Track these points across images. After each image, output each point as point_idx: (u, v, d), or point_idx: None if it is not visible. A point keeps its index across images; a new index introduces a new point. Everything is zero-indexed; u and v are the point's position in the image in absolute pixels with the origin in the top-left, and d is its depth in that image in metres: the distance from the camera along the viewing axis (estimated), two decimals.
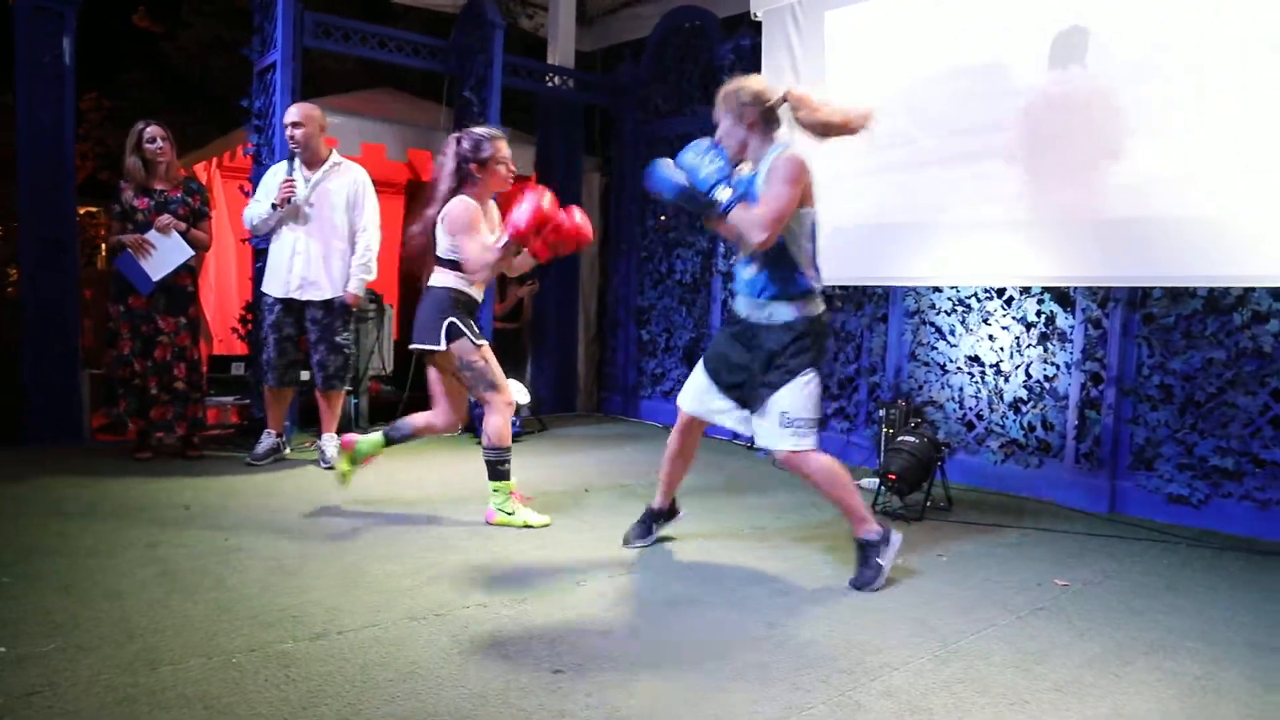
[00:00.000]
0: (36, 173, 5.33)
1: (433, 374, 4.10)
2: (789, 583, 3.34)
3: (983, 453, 5.17)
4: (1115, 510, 4.62)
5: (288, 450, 5.33)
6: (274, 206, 4.89)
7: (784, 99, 3.29)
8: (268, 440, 5.14)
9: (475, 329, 3.97)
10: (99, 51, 10.02)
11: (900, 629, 2.89)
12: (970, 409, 5.25)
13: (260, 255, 5.48)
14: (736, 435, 4.17)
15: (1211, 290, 4.30)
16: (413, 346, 4.05)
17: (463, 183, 3.94)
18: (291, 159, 4.95)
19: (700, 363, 3.58)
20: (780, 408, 3.25)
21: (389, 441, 4.17)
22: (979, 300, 5.18)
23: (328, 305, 5.02)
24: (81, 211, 9.41)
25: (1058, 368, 4.89)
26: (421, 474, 5.03)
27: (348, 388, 5.97)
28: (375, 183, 8.50)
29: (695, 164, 3.24)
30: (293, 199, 4.89)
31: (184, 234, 5.00)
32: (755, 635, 2.80)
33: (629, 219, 7.55)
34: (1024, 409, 5.04)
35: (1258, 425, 4.22)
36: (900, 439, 4.51)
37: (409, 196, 8.73)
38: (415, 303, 6.81)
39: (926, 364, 5.44)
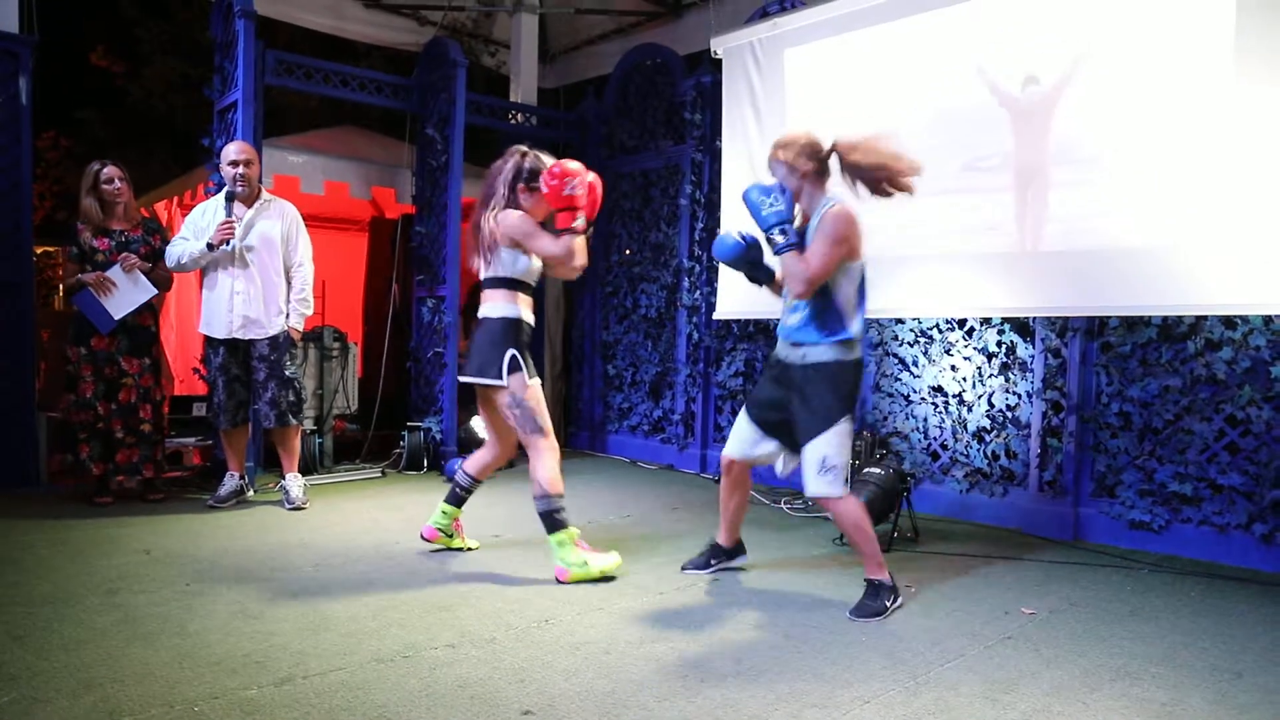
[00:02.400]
0: None
1: (483, 409, 4.02)
2: (758, 619, 3.34)
3: (948, 482, 5.22)
4: (1079, 537, 4.67)
5: (251, 492, 5.26)
6: (210, 246, 4.81)
7: (834, 149, 3.46)
8: (230, 482, 5.07)
9: (531, 364, 3.83)
10: (56, 90, 9.96)
11: (871, 662, 2.90)
12: (935, 439, 5.31)
13: None
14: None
15: (1165, 319, 4.39)
16: (468, 379, 3.87)
17: (510, 198, 3.81)
18: (230, 198, 4.88)
19: (743, 411, 3.75)
20: (821, 453, 3.38)
21: (459, 501, 4.13)
22: (941, 331, 5.25)
23: (273, 342, 4.98)
24: (39, 251, 9.31)
25: (1019, 397, 4.96)
26: (379, 515, 4.97)
27: (311, 427, 5.93)
28: (340, 220, 8.59)
29: (759, 202, 3.41)
30: (231, 241, 4.83)
31: (147, 274, 4.94)
32: (723, 672, 2.79)
33: (593, 254, 7.56)
34: (987, 438, 5.10)
35: (1213, 451, 4.30)
36: (866, 470, 4.54)
37: (372, 233, 8.73)
38: (379, 342, 6.87)
39: (891, 395, 5.49)
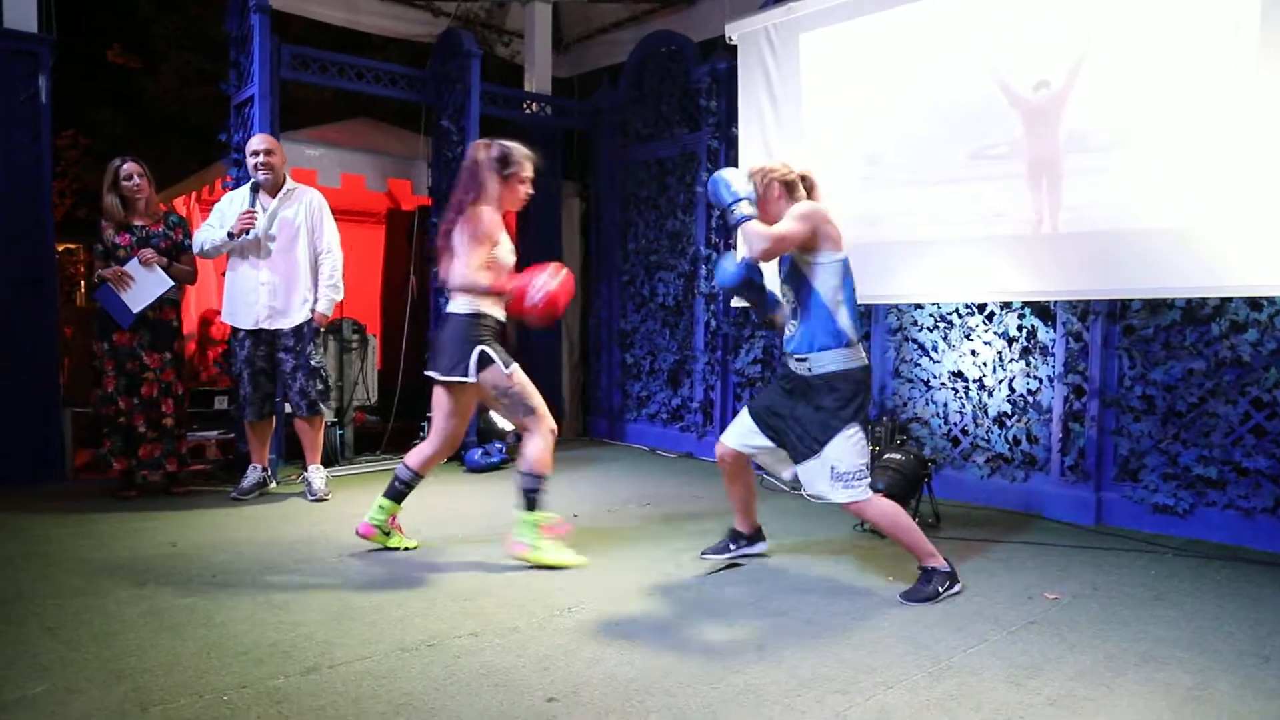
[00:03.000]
0: (14, 213, 5.30)
1: (440, 401, 3.92)
2: (780, 604, 3.34)
3: (969, 468, 5.19)
4: (1102, 521, 4.65)
5: (273, 484, 5.30)
6: (230, 235, 4.84)
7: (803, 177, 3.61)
8: (253, 474, 5.11)
9: (504, 353, 3.80)
10: (75, 89, 10.01)
11: (894, 647, 2.90)
12: (955, 424, 5.28)
13: None
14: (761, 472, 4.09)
15: (1189, 301, 4.35)
16: (436, 376, 3.83)
17: (480, 191, 3.78)
18: (255, 189, 4.90)
19: (746, 408, 3.77)
20: (829, 462, 3.39)
21: (399, 496, 3.98)
22: (960, 316, 5.22)
23: (298, 331, 5.01)
24: (60, 249, 9.38)
25: (1040, 381, 4.92)
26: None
27: (332, 418, 5.96)
28: (356, 212, 8.61)
29: (729, 178, 3.46)
30: (252, 230, 4.86)
31: (167, 268, 4.97)
32: (746, 658, 2.79)
33: (609, 243, 7.58)
34: (1008, 423, 5.07)
35: (1239, 434, 4.27)
36: (887, 456, 4.53)
37: (389, 225, 8.75)
38: (397, 333, 6.90)
39: (910, 381, 5.47)
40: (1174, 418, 4.47)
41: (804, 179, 3.62)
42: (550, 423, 3.88)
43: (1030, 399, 4.97)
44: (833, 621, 3.15)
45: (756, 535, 3.98)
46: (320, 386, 5.11)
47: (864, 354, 3.49)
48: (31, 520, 4.43)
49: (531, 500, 3.79)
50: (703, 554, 3.93)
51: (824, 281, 3.41)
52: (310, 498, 5.02)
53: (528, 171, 3.88)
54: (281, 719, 2.32)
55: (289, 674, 2.61)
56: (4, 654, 2.72)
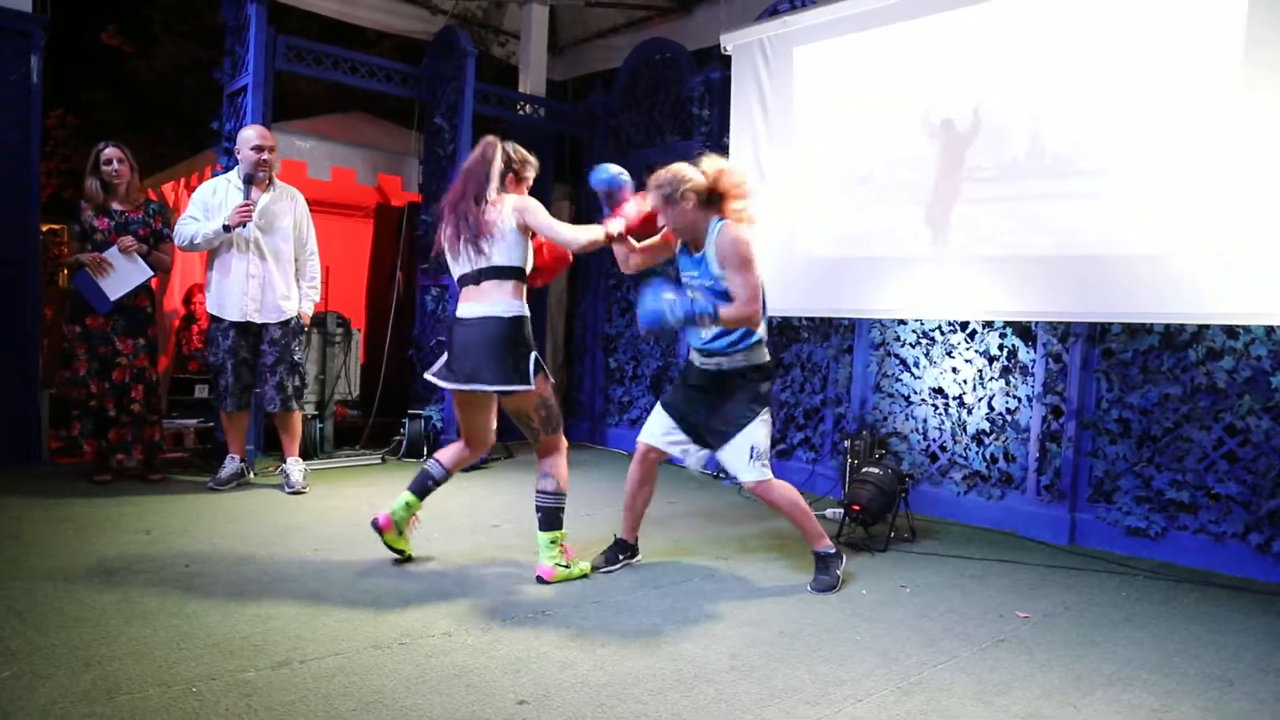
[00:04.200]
0: (0, 193, 5.26)
1: (473, 407, 3.75)
2: (752, 614, 3.35)
3: (946, 484, 5.23)
4: (1075, 542, 4.69)
5: (251, 475, 5.28)
6: (226, 228, 4.82)
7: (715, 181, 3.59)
8: (231, 465, 5.08)
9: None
10: (65, 69, 9.95)
11: (864, 660, 2.92)
12: (934, 440, 5.32)
13: None
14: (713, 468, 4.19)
15: (1168, 327, 4.40)
16: (488, 389, 3.56)
17: (493, 186, 3.61)
18: (249, 181, 4.88)
19: (659, 406, 3.90)
20: (750, 443, 3.61)
21: (425, 492, 3.81)
22: (943, 333, 5.26)
23: (285, 325, 5.01)
24: (44, 229, 9.30)
25: (1019, 400, 4.97)
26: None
27: (312, 412, 5.95)
28: (345, 206, 8.59)
29: (660, 316, 3.42)
30: (248, 224, 4.85)
31: (145, 255, 4.95)
32: (717, 667, 2.80)
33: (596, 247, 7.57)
34: (986, 441, 5.11)
35: (1211, 459, 4.31)
36: (865, 470, 4.56)
37: (377, 220, 8.73)
38: (381, 328, 6.87)
39: (891, 395, 5.50)
40: (1149, 441, 4.51)
41: (715, 189, 3.59)
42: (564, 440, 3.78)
43: (1009, 418, 5.01)
44: (803, 633, 3.16)
45: (636, 547, 4.01)
46: (298, 383, 5.11)
47: (767, 351, 3.73)
48: (4, 502, 4.40)
49: (556, 519, 3.66)
50: (593, 566, 3.83)
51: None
52: (288, 490, 5.01)
53: (531, 177, 3.82)
54: (250, 712, 2.31)
55: (259, 667, 2.60)
56: None
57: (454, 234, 3.61)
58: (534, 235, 3.69)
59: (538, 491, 3.68)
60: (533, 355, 3.55)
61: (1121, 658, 3.06)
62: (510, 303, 3.56)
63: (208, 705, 2.34)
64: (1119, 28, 4.32)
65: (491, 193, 3.59)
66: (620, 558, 3.92)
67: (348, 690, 2.47)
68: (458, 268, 3.64)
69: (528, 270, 3.68)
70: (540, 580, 3.59)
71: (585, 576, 3.70)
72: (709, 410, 3.69)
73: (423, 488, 3.80)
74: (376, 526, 3.72)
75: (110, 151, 4.94)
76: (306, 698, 2.42)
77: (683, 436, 3.79)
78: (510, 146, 3.72)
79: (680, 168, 3.61)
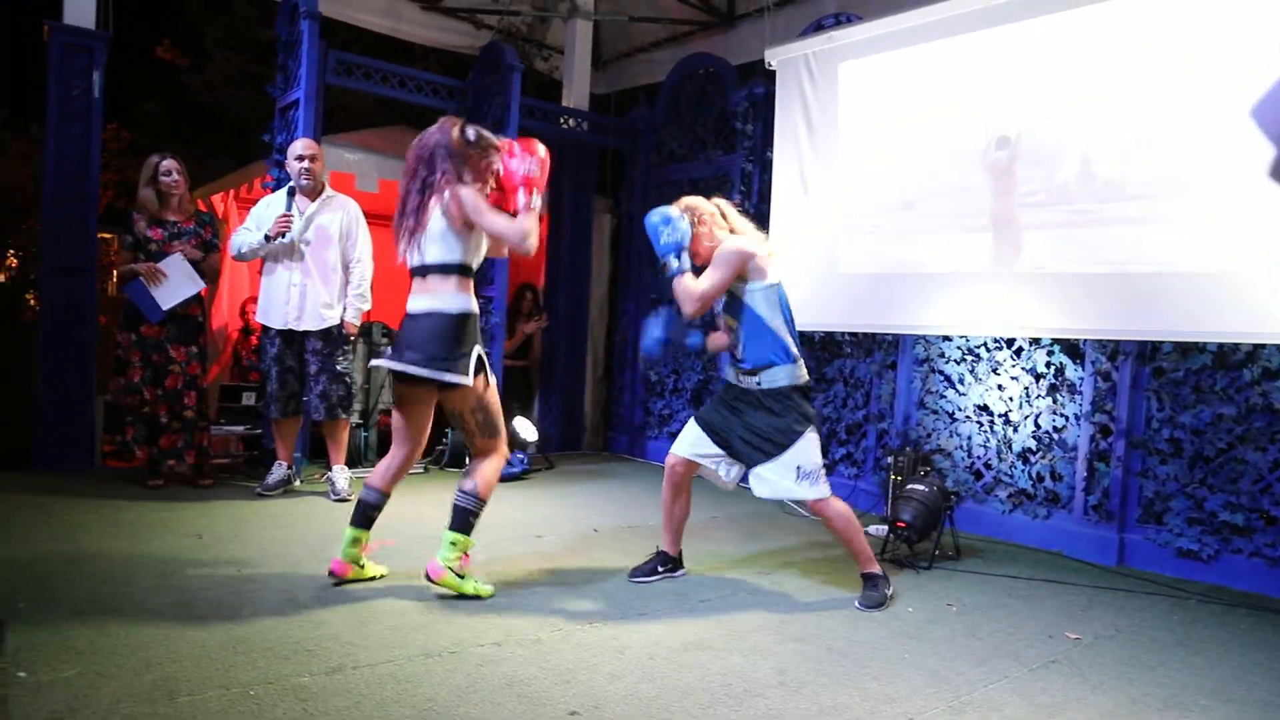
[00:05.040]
0: (60, 203, 5.41)
1: (409, 408, 3.53)
2: (798, 630, 3.34)
3: (990, 502, 5.18)
4: (1124, 563, 4.62)
5: (298, 482, 5.35)
6: (267, 238, 4.92)
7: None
8: (278, 471, 5.16)
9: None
10: (121, 82, 10.18)
11: (913, 678, 2.90)
12: (978, 458, 5.27)
13: None
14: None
15: (1221, 346, 4.33)
16: (418, 370, 3.33)
17: (459, 172, 3.39)
18: (291, 192, 4.99)
19: (693, 420, 3.93)
20: (795, 463, 3.65)
21: (369, 522, 3.57)
22: (988, 350, 5.22)
23: (326, 335, 5.07)
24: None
25: (1067, 419, 4.91)
26: (423, 510, 5.02)
27: (356, 420, 6.01)
28: (389, 217, 8.68)
29: (658, 229, 3.69)
30: (288, 234, 4.93)
31: (196, 264, 5.06)
32: (766, 682, 2.80)
33: (639, 260, 7.62)
34: (1033, 459, 5.05)
35: (1268, 481, 4.24)
36: (910, 486, 4.53)
37: None
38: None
39: (935, 412, 5.47)
40: (1201, 462, 4.44)
41: (721, 214, 3.85)
42: (505, 447, 3.66)
43: (1056, 436, 4.95)
44: (852, 650, 3.15)
45: (680, 561, 4.02)
46: (342, 392, 5.16)
47: (805, 369, 3.78)
48: (64, 505, 4.49)
49: (467, 524, 3.46)
50: (631, 576, 3.88)
51: (760, 306, 3.68)
52: (333, 497, 5.07)
53: (495, 165, 3.49)
54: (307, 717, 2.35)
55: (313, 672, 2.64)
56: (36, 636, 2.76)
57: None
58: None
59: (458, 490, 3.49)
60: (475, 352, 3.39)
61: (1177, 682, 3.01)
62: (455, 296, 3.41)
63: (265, 709, 2.37)
64: (1173, 45, 4.27)
65: (448, 179, 3.37)
66: (660, 569, 3.93)
67: (401, 698, 2.50)
68: (406, 258, 3.47)
69: (474, 265, 3.50)
70: (428, 578, 3.41)
71: (478, 597, 3.43)
72: (746, 428, 3.70)
73: (365, 518, 3.56)
74: (334, 574, 3.55)
75: (169, 163, 5.05)
76: (361, 704, 2.44)
77: (715, 451, 3.80)
78: (471, 129, 3.43)
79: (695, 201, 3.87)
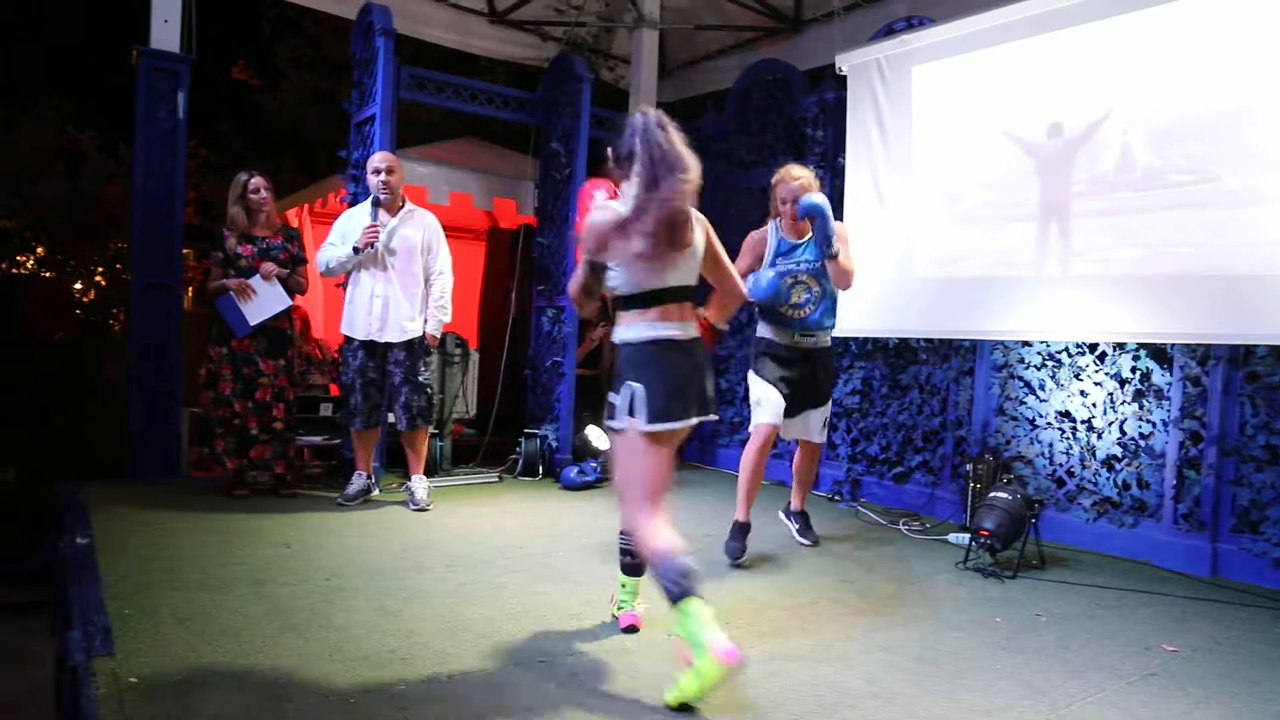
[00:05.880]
0: (148, 220, 5.59)
1: (668, 451, 2.92)
2: (885, 639, 3.30)
3: (1074, 510, 5.07)
4: (1217, 574, 4.48)
5: (377, 491, 5.44)
6: (355, 250, 5.02)
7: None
8: (358, 481, 5.25)
9: None
10: (197, 101, 10.52)
11: (1008, 690, 2.85)
12: (1061, 465, 5.16)
13: None
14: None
15: None
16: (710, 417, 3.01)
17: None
18: (376, 204, 5.09)
19: (774, 390, 4.42)
20: (827, 413, 4.63)
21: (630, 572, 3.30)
22: (1070, 355, 5.11)
23: (409, 346, 5.14)
24: None
25: (1154, 425, 4.78)
26: (500, 519, 5.08)
27: (433, 430, 6.10)
28: (460, 229, 8.82)
29: (828, 213, 4.17)
30: (375, 244, 5.02)
31: (284, 279, 5.18)
32: (858, 693, 2.78)
33: None
34: (1118, 466, 4.93)
35: None
36: (992, 494, 4.45)
37: (490, 243, 8.94)
38: (495, 348, 7.02)
39: (1015, 419, 5.36)
40: None
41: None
42: None
43: (1142, 443, 4.83)
44: (941, 660, 3.11)
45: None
46: (424, 403, 5.23)
47: None
48: (155, 515, 4.63)
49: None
50: (732, 559, 4.32)
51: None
52: (413, 507, 5.15)
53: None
54: None
55: (409, 681, 2.68)
56: (141, 641, 2.85)
57: (678, 236, 2.88)
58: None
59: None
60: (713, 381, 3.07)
61: None
62: (693, 319, 3.03)
63: (367, 718, 2.42)
64: (1261, 31, 4.14)
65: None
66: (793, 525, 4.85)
67: (497, 707, 2.53)
68: (668, 277, 2.90)
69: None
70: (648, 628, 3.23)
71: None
72: (805, 383, 4.44)
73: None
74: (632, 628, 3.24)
75: (256, 181, 5.18)
76: (459, 711, 2.48)
77: (783, 407, 4.42)
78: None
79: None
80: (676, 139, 2.79)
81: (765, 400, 4.40)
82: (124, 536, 4.17)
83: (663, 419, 2.81)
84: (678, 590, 2.59)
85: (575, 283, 2.97)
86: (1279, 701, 2.88)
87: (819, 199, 4.15)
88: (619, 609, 3.32)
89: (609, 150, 2.92)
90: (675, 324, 2.89)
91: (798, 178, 4.37)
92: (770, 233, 4.56)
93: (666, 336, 2.87)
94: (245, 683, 2.58)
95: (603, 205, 2.89)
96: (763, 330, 4.56)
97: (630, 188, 2.82)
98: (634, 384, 2.85)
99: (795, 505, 4.88)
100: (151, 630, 2.96)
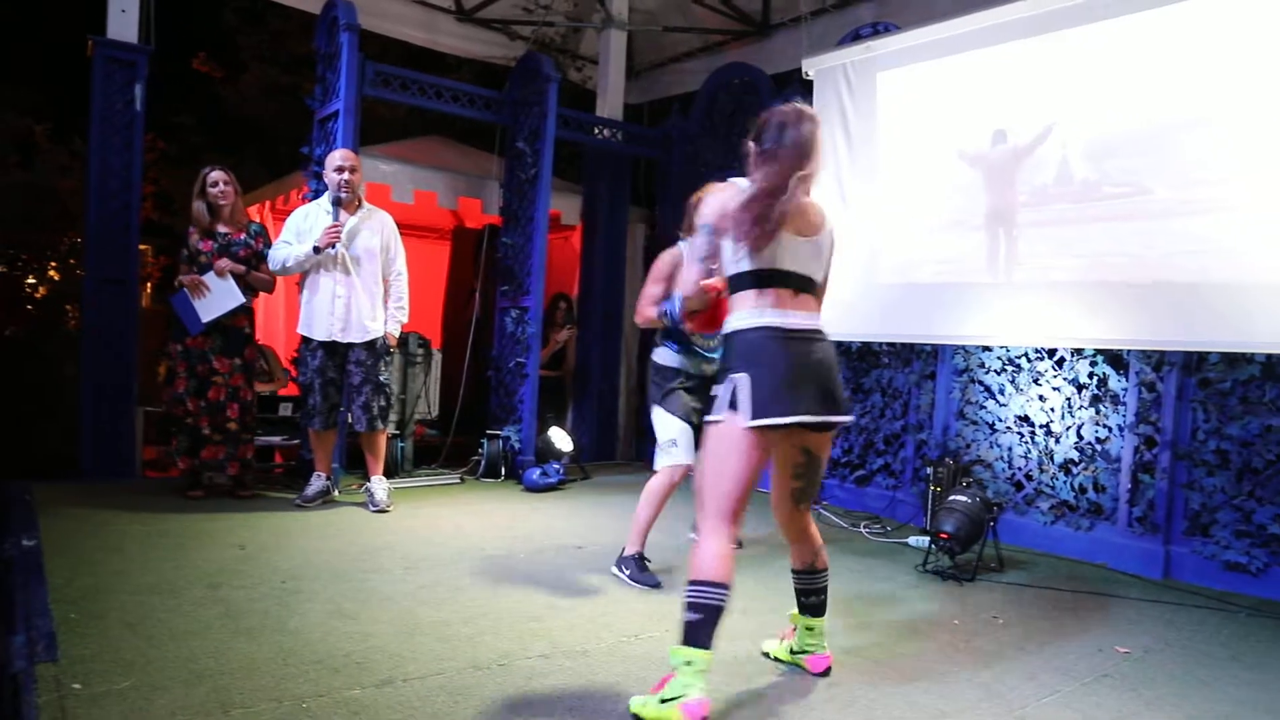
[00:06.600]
0: (104, 214, 5.49)
1: (762, 456, 2.69)
2: (845, 644, 3.30)
3: (1031, 513, 5.12)
4: (1170, 576, 4.55)
5: (336, 493, 5.37)
6: (316, 250, 4.94)
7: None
8: (317, 483, 5.18)
9: None
10: (156, 93, 10.35)
11: (966, 693, 2.86)
12: (1019, 469, 5.22)
13: None
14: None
15: (1269, 357, 4.26)
16: (835, 419, 2.74)
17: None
18: (337, 203, 5.01)
19: (685, 424, 3.99)
20: None
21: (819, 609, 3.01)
22: (1029, 360, 5.17)
23: (370, 346, 5.09)
24: None
25: (1110, 430, 4.85)
26: (461, 520, 5.04)
27: (393, 430, 6.04)
28: (424, 228, 8.76)
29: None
30: (336, 245, 4.94)
31: (245, 275, 5.08)
32: (818, 697, 2.78)
33: None
34: (1075, 470, 4.99)
35: None
36: (952, 498, 4.48)
37: (454, 242, 8.88)
38: (458, 349, 6.97)
39: (975, 423, 5.41)
40: (1249, 474, 4.37)
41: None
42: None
43: (1099, 447, 4.89)
44: (900, 664, 3.12)
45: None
46: (383, 403, 5.18)
47: None
48: (107, 516, 4.54)
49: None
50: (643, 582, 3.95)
51: None
52: (372, 508, 5.09)
53: None
54: None
55: (364, 685, 2.64)
56: (89, 647, 2.78)
57: (806, 221, 2.77)
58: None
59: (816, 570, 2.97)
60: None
61: (1233, 698, 2.96)
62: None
63: None
64: (1225, 48, 4.21)
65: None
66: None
67: (452, 711, 2.50)
68: (807, 268, 2.77)
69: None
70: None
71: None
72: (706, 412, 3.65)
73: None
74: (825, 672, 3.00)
75: (216, 175, 5.09)
76: (413, 716, 2.45)
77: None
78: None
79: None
80: (817, 133, 2.76)
81: (681, 440, 3.95)
82: (73, 538, 4.08)
83: (768, 414, 2.58)
84: (704, 635, 2.49)
85: (695, 260, 2.85)
86: (1227, 702, 2.92)
87: None
88: (804, 651, 2.99)
89: (750, 142, 2.83)
90: (793, 313, 2.70)
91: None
92: (685, 253, 3.93)
93: (781, 325, 2.67)
94: (193, 689, 2.53)
95: (729, 184, 2.79)
96: (668, 359, 4.07)
97: (762, 176, 2.74)
98: (738, 375, 2.63)
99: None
100: (98, 635, 2.90)
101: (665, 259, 4.04)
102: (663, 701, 2.44)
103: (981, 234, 5.12)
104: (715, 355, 4.03)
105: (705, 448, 2.71)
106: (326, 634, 3.05)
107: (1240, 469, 4.39)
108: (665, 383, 4.05)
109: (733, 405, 2.61)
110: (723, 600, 2.51)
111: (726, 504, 2.61)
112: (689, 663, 2.47)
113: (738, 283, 2.74)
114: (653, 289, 3.94)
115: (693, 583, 2.53)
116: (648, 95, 8.48)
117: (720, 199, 2.75)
